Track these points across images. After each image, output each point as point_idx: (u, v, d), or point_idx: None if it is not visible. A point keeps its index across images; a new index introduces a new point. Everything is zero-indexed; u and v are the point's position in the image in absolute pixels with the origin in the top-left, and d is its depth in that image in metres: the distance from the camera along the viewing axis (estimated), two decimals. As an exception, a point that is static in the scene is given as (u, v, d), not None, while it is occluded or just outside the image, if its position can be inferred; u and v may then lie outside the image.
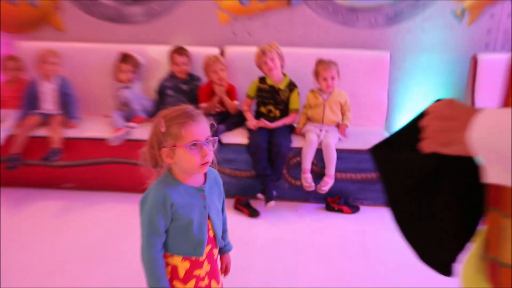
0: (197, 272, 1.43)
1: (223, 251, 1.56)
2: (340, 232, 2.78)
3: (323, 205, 3.08)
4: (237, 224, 2.81)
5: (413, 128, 0.76)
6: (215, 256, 1.48)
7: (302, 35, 3.57)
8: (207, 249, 1.42)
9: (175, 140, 1.31)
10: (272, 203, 2.93)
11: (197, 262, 1.42)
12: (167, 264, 1.42)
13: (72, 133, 3.19)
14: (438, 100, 0.76)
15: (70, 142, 3.18)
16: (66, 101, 3.34)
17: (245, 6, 3.50)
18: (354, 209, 3.03)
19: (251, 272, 2.35)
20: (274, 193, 2.97)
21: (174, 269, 1.42)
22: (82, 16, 3.65)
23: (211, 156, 1.34)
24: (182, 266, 1.41)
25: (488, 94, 3.26)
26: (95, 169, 3.22)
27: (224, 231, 1.54)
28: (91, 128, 3.26)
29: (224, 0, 3.48)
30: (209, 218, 1.43)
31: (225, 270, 1.59)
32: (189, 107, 1.36)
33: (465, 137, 0.68)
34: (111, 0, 3.62)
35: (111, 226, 2.80)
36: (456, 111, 0.72)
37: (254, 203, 3.02)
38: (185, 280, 1.42)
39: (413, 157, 0.77)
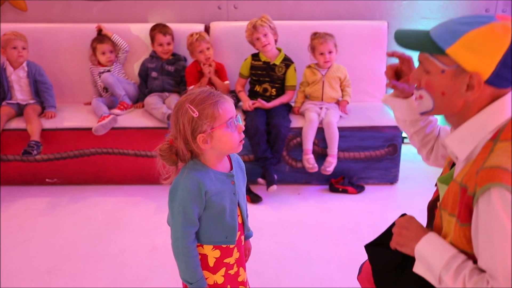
0: (227, 260, 1.52)
1: (245, 236, 1.65)
2: (347, 214, 2.94)
3: (327, 187, 3.23)
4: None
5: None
6: (242, 243, 1.58)
7: (292, 7, 3.64)
8: (237, 236, 1.53)
9: (213, 121, 1.36)
10: (274, 187, 3.04)
11: (228, 250, 1.51)
12: None
13: (51, 123, 3.20)
14: (403, 215, 1.33)
15: (50, 134, 3.18)
16: (40, 89, 3.33)
17: (229, -23, 3.55)
18: (359, 188, 3.18)
19: (261, 259, 2.45)
20: (275, 176, 3.09)
21: (204, 258, 1.50)
22: (47, -7, 3.61)
23: None
24: (212, 255, 1.50)
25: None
26: (80, 162, 3.24)
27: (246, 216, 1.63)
28: (72, 117, 3.26)
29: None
30: (238, 204, 1.52)
31: (246, 256, 1.70)
32: (209, 87, 1.42)
33: (412, 245, 1.21)
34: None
35: (104, 221, 2.85)
36: (411, 226, 1.26)
37: (254, 188, 3.14)
38: (215, 269, 1.51)
39: (388, 251, 1.33)
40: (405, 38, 1.20)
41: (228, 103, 1.39)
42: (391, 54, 1.47)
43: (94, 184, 3.31)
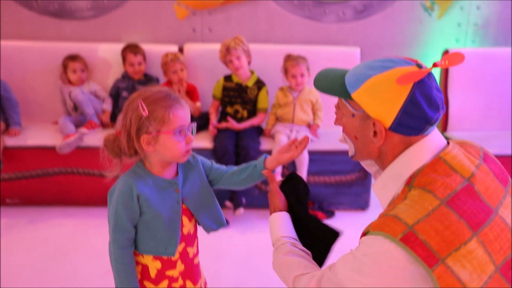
0: (169, 272, 1.44)
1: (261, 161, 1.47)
2: (316, 239, 2.86)
3: (296, 211, 3.16)
4: (205, 234, 2.82)
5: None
6: (190, 255, 1.48)
7: (266, 31, 3.65)
8: (180, 247, 1.43)
9: (161, 125, 1.29)
10: (241, 210, 2.97)
11: (170, 262, 1.43)
12: (137, 263, 1.42)
13: (13, 141, 3.10)
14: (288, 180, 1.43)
15: (12, 152, 3.08)
16: (5, 105, 3.24)
17: None
18: (329, 214, 3.12)
19: (224, 283, 2.37)
20: (243, 200, 3.01)
21: (145, 268, 1.43)
22: (19, 10, 3.55)
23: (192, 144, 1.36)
24: (153, 265, 1.42)
25: (460, 88, 3.46)
26: (43, 181, 3.13)
27: (245, 171, 1.48)
28: (36, 135, 3.17)
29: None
30: (186, 212, 1.43)
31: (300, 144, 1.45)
32: (169, 89, 1.36)
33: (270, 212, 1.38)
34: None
35: (61, 243, 2.75)
36: (271, 200, 1.39)
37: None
38: (157, 280, 1.44)
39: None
40: (320, 81, 1.19)
41: (182, 110, 1.33)
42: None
43: (57, 205, 3.20)
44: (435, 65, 1.08)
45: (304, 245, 1.32)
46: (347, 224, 3.02)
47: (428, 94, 1.06)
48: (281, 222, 1.33)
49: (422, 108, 1.05)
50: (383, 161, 1.15)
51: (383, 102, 1.05)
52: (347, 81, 1.12)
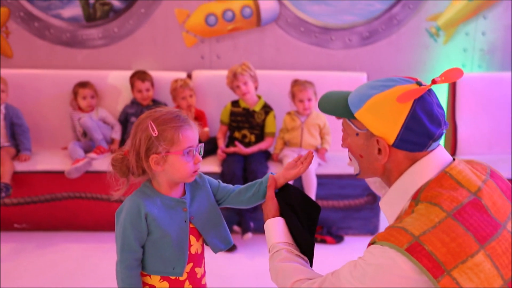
0: None
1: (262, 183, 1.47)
2: (325, 264, 2.79)
3: (305, 236, 3.13)
4: (212, 259, 2.79)
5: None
6: (198, 276, 1.47)
7: (273, 57, 3.70)
8: (187, 267, 1.42)
9: (170, 145, 1.31)
10: (249, 235, 2.94)
11: (177, 282, 1.42)
12: (144, 284, 1.41)
13: (23, 166, 3.13)
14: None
15: (21, 177, 3.11)
16: (16, 131, 3.29)
17: (212, 27, 3.61)
18: (338, 239, 3.08)
19: (232, 310, 2.35)
20: (252, 224, 2.99)
21: None
22: (32, 40, 3.64)
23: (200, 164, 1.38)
24: (160, 286, 1.41)
25: (468, 113, 3.46)
26: (51, 206, 3.14)
27: (251, 188, 1.48)
28: (46, 160, 3.20)
29: (189, 21, 3.59)
30: (194, 231, 1.43)
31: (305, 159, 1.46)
32: (178, 110, 1.39)
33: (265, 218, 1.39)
34: (65, 22, 3.66)
35: (69, 268, 2.74)
36: (265, 208, 1.40)
37: (230, 237, 3.04)
38: None
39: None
40: (324, 103, 1.23)
41: (191, 131, 1.35)
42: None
43: (65, 230, 3.20)
44: (433, 81, 1.10)
45: (295, 236, 1.36)
46: (357, 249, 2.98)
47: (429, 110, 1.08)
48: (275, 228, 1.35)
49: (424, 124, 1.08)
50: (389, 178, 1.17)
51: (385, 120, 1.09)
52: (350, 102, 1.15)
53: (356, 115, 1.13)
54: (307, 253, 1.36)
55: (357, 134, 1.16)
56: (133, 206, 1.35)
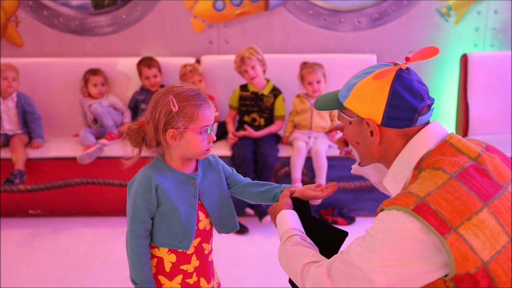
0: (184, 267, 1.45)
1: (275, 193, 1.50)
2: (336, 245, 2.82)
3: (316, 218, 3.13)
4: (224, 243, 2.82)
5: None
6: (205, 251, 1.49)
7: (282, 41, 3.68)
8: (195, 242, 1.45)
9: (189, 122, 1.34)
10: (268, 217, 2.94)
11: (184, 256, 1.44)
12: (152, 257, 1.44)
13: (36, 153, 3.17)
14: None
15: (34, 163, 3.15)
16: (28, 119, 3.33)
17: (220, 12, 3.60)
18: (349, 220, 3.08)
19: (245, 290, 2.36)
20: (264, 206, 3.00)
21: (160, 262, 1.45)
22: (41, 28, 3.67)
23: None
24: (168, 259, 1.44)
25: (480, 93, 3.42)
26: (64, 192, 3.18)
27: (265, 186, 1.51)
28: (58, 147, 3.24)
29: (197, 6, 3.58)
30: (202, 208, 1.45)
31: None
32: (198, 88, 1.41)
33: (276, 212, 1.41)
34: (74, 10, 3.67)
35: (83, 252, 2.78)
36: (280, 202, 1.43)
37: (242, 219, 3.03)
38: (171, 275, 1.45)
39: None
40: (319, 102, 1.32)
41: (210, 110, 1.39)
42: (329, 131, 1.58)
43: (78, 216, 3.24)
44: (406, 59, 1.17)
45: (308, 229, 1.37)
46: (368, 229, 2.99)
47: (409, 86, 1.14)
48: (290, 217, 1.37)
49: (406, 99, 1.13)
50: (387, 159, 1.22)
51: (370, 101, 1.15)
52: (340, 94, 1.24)
53: (345, 104, 1.20)
54: (331, 243, 1.38)
55: (350, 123, 1.22)
56: (144, 178, 1.38)
